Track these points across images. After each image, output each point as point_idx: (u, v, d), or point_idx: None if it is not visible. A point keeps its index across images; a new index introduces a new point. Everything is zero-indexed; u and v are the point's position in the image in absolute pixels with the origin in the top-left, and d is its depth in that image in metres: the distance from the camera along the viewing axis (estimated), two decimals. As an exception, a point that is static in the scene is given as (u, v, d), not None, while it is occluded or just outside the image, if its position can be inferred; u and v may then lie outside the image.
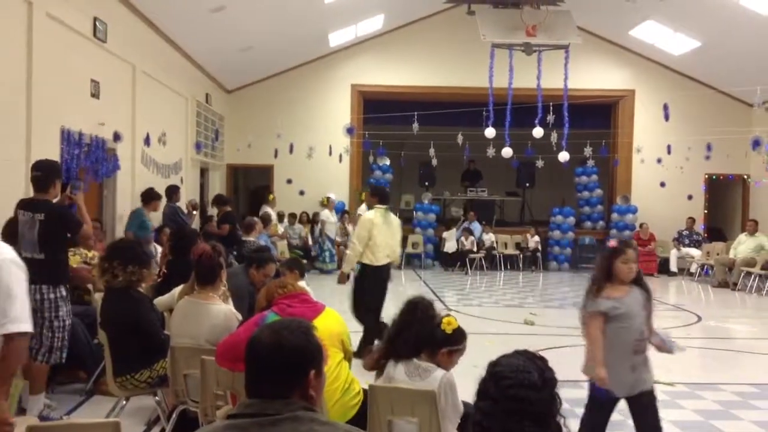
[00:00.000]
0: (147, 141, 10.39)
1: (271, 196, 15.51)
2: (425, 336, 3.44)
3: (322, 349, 1.94)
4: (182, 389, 4.13)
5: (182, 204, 11.15)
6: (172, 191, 9.97)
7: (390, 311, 3.67)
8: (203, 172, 14.88)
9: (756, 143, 14.20)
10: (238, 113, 16.41)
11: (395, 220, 7.78)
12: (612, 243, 4.10)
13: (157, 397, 4.54)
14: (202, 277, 4.20)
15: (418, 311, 3.56)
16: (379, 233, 7.33)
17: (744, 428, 5.19)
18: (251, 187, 19.08)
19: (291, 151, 15.54)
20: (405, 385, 3.36)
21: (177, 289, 4.87)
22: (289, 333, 1.87)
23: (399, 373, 3.41)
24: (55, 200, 5.10)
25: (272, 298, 3.55)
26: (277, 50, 14.74)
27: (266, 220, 11.39)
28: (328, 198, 15.60)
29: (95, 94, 8.59)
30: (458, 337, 3.42)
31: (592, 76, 16.21)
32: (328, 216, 15.10)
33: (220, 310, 4.09)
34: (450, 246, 16.01)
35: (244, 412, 1.81)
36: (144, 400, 4.89)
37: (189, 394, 4.09)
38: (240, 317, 4.10)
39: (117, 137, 9.07)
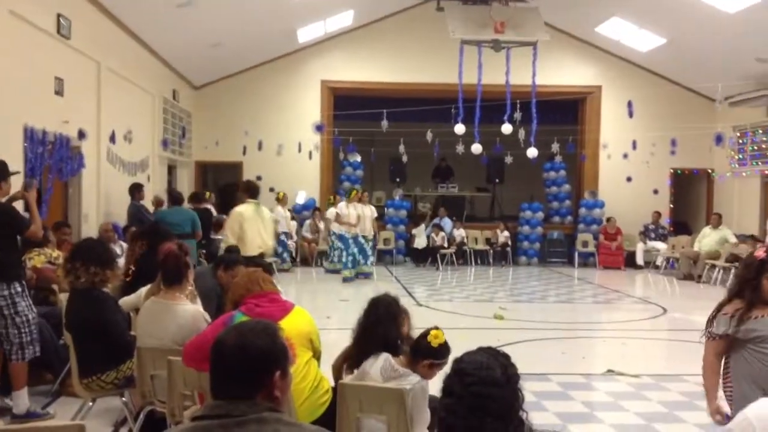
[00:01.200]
0: (112, 138, 10.25)
1: (281, 194, 14.77)
2: (391, 335, 3.46)
3: (288, 350, 1.94)
4: (149, 390, 4.10)
5: (148, 202, 11.02)
6: (136, 189, 9.85)
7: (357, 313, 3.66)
8: (171, 169, 14.72)
9: (719, 138, 14.47)
10: (206, 110, 16.26)
11: (267, 214, 8.41)
12: (760, 253, 3.29)
13: (124, 398, 4.50)
14: (168, 277, 4.16)
15: (381, 309, 3.57)
16: (250, 227, 7.78)
17: (707, 418, 5.28)
18: (220, 184, 18.93)
19: (260, 148, 15.44)
20: (375, 383, 3.38)
21: (143, 289, 4.83)
22: (254, 335, 1.87)
23: (375, 371, 3.41)
24: (4, 199, 5.05)
25: (240, 298, 3.54)
26: (245, 46, 14.63)
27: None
28: (284, 194, 14.86)
29: (59, 92, 8.45)
30: (443, 351, 3.34)
31: (560, 72, 16.37)
32: (279, 212, 14.28)
33: (187, 310, 4.06)
34: (420, 242, 16.07)
35: (209, 414, 1.80)
36: (111, 401, 4.84)
37: (156, 395, 4.06)
38: (208, 318, 4.07)
39: (81, 135, 8.94)
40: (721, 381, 3.34)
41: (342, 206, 13.25)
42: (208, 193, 14.07)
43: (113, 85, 10.40)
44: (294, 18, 14.20)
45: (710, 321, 3.34)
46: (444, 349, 3.35)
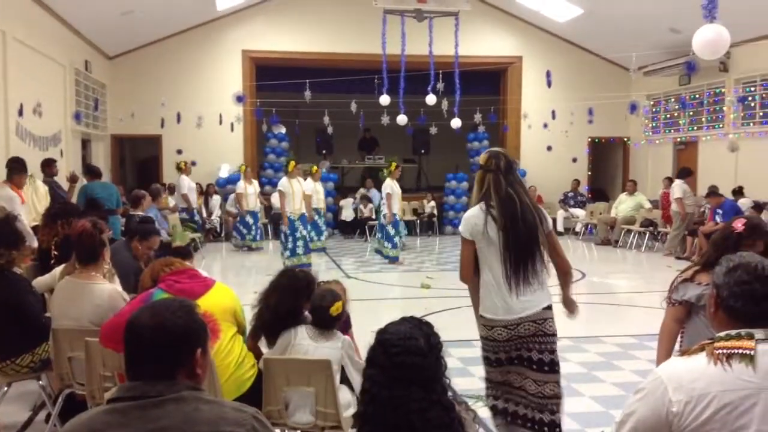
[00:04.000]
0: (20, 112, 9.73)
1: (183, 163, 13.98)
2: (298, 305, 3.56)
3: (207, 327, 1.89)
4: (67, 373, 3.97)
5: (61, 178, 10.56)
6: (47, 164, 9.40)
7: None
8: (85, 143, 14.14)
9: (633, 107, 14.98)
10: (121, 81, 15.63)
11: (42, 188, 8.22)
12: (738, 226, 3.23)
13: (41, 382, 4.34)
14: (83, 255, 4.00)
15: (286, 281, 3.65)
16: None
17: (625, 377, 5.53)
18: (139, 158, 18.34)
19: (179, 120, 15.01)
20: (305, 351, 3.41)
21: (58, 269, 4.64)
22: (171, 313, 1.82)
23: (302, 338, 3.44)
24: None
25: (158, 275, 3.44)
26: (160, 14, 14.08)
27: (156, 193, 10.96)
28: (185, 163, 14.09)
29: (-41, 62, 7.94)
30: (344, 312, 3.58)
31: (482, 43, 16.52)
32: (183, 182, 13.69)
33: (104, 289, 3.92)
34: (347, 214, 16.06)
35: (125, 395, 1.74)
36: (28, 384, 4.68)
37: (75, 378, 3.94)
38: (126, 296, 3.95)
39: (-14, 108, 8.44)
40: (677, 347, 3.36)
41: (284, 181, 11.04)
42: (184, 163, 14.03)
43: (20, 56, 9.84)
44: (212, -15, 13.76)
45: (672, 287, 3.35)
46: (344, 310, 3.58)
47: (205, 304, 3.28)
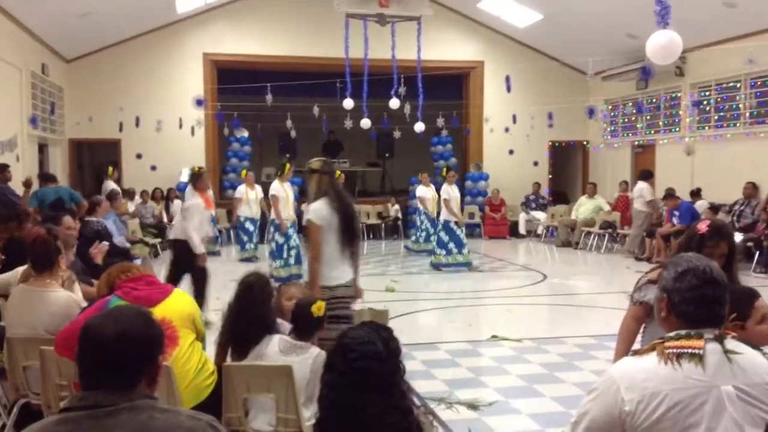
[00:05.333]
0: (-26, 116, 9.50)
1: (111, 170, 13.63)
2: (267, 315, 3.49)
3: (164, 334, 1.87)
4: (22, 382, 3.88)
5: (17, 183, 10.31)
6: (0, 170, 9.20)
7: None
8: (42, 148, 13.84)
9: (591, 111, 15.25)
10: (80, 84, 15.35)
11: None
12: (702, 227, 3.28)
13: (-6, 392, 4.23)
14: (37, 262, 3.91)
15: (253, 292, 3.59)
16: None
17: (584, 377, 5.60)
18: (97, 162, 18.01)
19: (137, 124, 14.81)
20: (273, 362, 3.37)
21: (20, 269, 4.51)
22: (131, 321, 1.79)
23: (272, 350, 3.40)
24: None
25: (114, 282, 3.39)
26: (119, 16, 13.87)
27: (113, 198, 10.73)
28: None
29: None
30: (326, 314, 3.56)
31: (444, 48, 16.63)
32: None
33: (59, 296, 3.84)
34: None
35: (78, 405, 1.71)
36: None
37: (30, 387, 3.85)
38: (83, 304, 3.87)
39: (-63, 112, 8.22)
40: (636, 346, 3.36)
41: (277, 186, 10.55)
42: (111, 169, 13.54)
43: (-28, 58, 9.62)
44: (172, -12, 13.61)
45: (636, 287, 3.38)
46: (325, 316, 3.52)
47: (164, 311, 3.24)
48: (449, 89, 17.59)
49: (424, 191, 13.29)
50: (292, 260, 10.28)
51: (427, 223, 13.42)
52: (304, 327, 3.47)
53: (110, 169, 13.72)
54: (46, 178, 9.79)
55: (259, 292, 3.59)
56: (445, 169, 11.93)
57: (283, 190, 10.39)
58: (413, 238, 14.02)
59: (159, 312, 3.17)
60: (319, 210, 4.43)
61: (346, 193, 4.70)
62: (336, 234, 4.39)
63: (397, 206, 16.82)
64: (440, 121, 16.74)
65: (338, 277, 4.40)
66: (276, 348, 3.40)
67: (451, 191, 11.35)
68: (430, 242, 13.06)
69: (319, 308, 3.45)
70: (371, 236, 16.60)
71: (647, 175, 13.42)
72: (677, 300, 2.04)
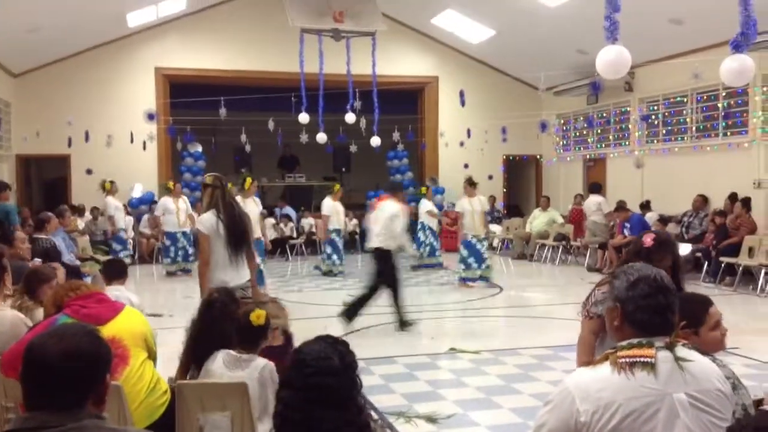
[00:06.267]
0: None
1: (108, 184, 13.28)
2: (231, 331, 3.41)
3: (111, 352, 1.82)
4: (-35, 406, 3.71)
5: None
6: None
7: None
8: (-12, 164, 13.46)
9: (543, 126, 15.53)
10: (27, 99, 14.98)
11: None
12: (648, 241, 3.34)
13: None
14: (-20, 281, 3.79)
15: (216, 310, 3.53)
16: None
17: (541, 388, 5.65)
18: (46, 178, 17.58)
19: (87, 139, 14.51)
20: (219, 379, 3.28)
21: None
22: (78, 339, 1.74)
23: (217, 366, 3.32)
24: None
25: (62, 301, 3.29)
26: (68, 30, 13.60)
27: (61, 215, 10.44)
28: (112, 183, 13.51)
29: None
30: (269, 321, 3.43)
31: (399, 63, 16.74)
32: (111, 203, 13.18)
33: (5, 315, 3.71)
34: (269, 234, 15.84)
35: (22, 427, 1.65)
36: None
37: (-27, 411, 3.69)
38: (29, 323, 3.75)
39: None
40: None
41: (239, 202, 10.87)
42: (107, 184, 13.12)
43: None
44: (122, 1, 13.40)
45: (588, 300, 3.36)
46: (268, 320, 3.40)
47: (114, 329, 3.16)
48: (404, 104, 17.69)
49: (431, 205, 13.72)
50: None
51: (431, 237, 13.58)
52: (247, 338, 3.38)
53: (107, 183, 13.19)
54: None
55: (221, 308, 3.52)
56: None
57: (244, 206, 10.15)
58: (417, 254, 13.64)
59: (109, 330, 3.09)
60: (206, 221, 4.95)
61: (237, 204, 5.19)
62: (224, 241, 4.88)
63: (354, 221, 16.79)
64: (396, 136, 16.83)
65: (228, 280, 4.80)
66: (220, 363, 3.33)
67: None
68: (435, 257, 13.56)
69: (258, 317, 3.34)
70: (328, 251, 16.48)
71: (597, 188, 13.72)
72: (631, 308, 2.07)
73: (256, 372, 3.27)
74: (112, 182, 13.27)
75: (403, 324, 7.90)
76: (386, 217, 7.92)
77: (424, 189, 14.10)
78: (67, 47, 14.84)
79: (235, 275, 4.91)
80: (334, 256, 12.76)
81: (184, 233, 12.78)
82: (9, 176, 14.61)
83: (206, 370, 3.36)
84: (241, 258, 4.96)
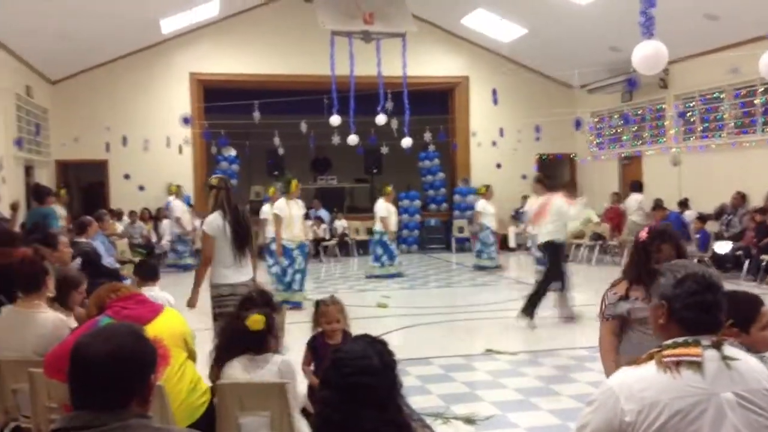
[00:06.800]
0: (-42, 139, 9.42)
1: (174, 187, 14.29)
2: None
3: (157, 351, 1.84)
4: (12, 406, 3.81)
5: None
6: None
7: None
8: (28, 169, 13.75)
9: (578, 124, 15.33)
10: (65, 105, 15.30)
11: None
12: (643, 234, 3.37)
13: (-17, 417, 4.15)
14: (25, 284, 3.85)
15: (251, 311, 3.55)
16: None
17: (580, 389, 5.58)
18: (85, 183, 17.93)
19: (124, 144, 14.76)
20: (248, 380, 3.31)
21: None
22: (123, 339, 1.76)
23: (235, 370, 3.35)
24: None
25: (103, 302, 3.34)
26: (104, 37, 13.85)
27: (101, 219, 10.61)
28: (178, 186, 14.37)
29: None
30: (271, 324, 3.38)
31: (429, 63, 16.70)
32: (177, 207, 13.94)
33: (47, 318, 3.78)
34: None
35: (68, 426, 1.67)
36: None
37: (20, 410, 3.78)
38: (72, 325, 3.82)
39: None
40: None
41: (282, 204, 9.60)
42: (62, 191, 13.09)
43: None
44: (155, 8, 13.61)
45: (603, 302, 3.36)
46: (270, 324, 3.36)
47: (155, 329, 3.20)
48: (435, 104, 17.66)
49: (484, 205, 13.27)
50: (296, 285, 9.66)
51: (491, 238, 13.32)
52: (250, 344, 3.36)
53: (62, 191, 13.14)
54: (34, 196, 9.64)
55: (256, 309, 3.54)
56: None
57: (287, 208, 9.54)
58: (478, 255, 13.50)
59: (150, 331, 3.11)
60: (211, 222, 5.19)
61: (242, 206, 5.44)
62: (229, 241, 5.14)
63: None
64: (427, 136, 16.80)
65: (232, 276, 5.15)
66: (238, 368, 3.34)
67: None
68: (494, 258, 13.33)
69: (254, 322, 3.31)
70: (360, 252, 16.54)
71: (639, 186, 13.49)
72: (678, 306, 2.03)
73: (275, 367, 3.31)
74: (178, 186, 13.76)
75: (527, 311, 8.09)
76: (556, 212, 8.28)
77: (482, 189, 13.64)
78: (103, 54, 15.12)
79: (239, 273, 5.19)
80: (384, 257, 12.70)
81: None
82: (48, 181, 14.92)
83: (226, 375, 3.38)
84: (245, 257, 5.23)
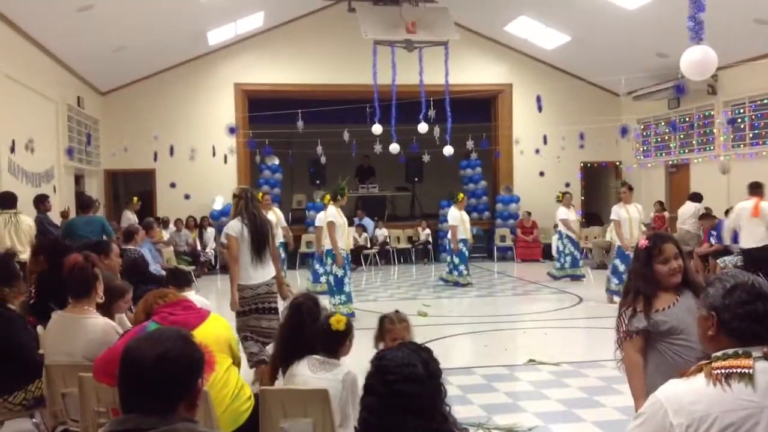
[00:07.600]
0: (12, 149, 9.74)
1: (135, 200, 13.70)
2: (317, 335, 3.43)
3: (204, 356, 1.87)
4: (61, 409, 3.89)
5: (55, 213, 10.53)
6: (40, 200, 9.38)
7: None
8: (79, 179, 14.14)
9: (624, 131, 15.07)
10: (114, 116, 15.71)
11: (24, 223, 8.11)
12: (643, 242, 3.27)
13: (34, 420, 4.26)
14: (75, 290, 3.95)
15: (303, 313, 3.56)
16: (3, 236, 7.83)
17: (625, 401, 5.45)
18: (133, 192, 18.31)
19: (171, 153, 15.06)
20: (303, 383, 3.33)
21: None
22: (171, 344, 1.79)
23: (302, 369, 3.38)
24: None
25: (151, 308, 3.41)
26: (152, 49, 14.20)
27: (149, 227, 10.87)
28: (263, 195, 14.10)
29: (-49, 100, 7.96)
30: (350, 328, 3.43)
31: (472, 71, 16.65)
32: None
33: (97, 323, 3.87)
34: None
35: (117, 429, 1.71)
36: (22, 423, 4.58)
37: (69, 414, 3.86)
38: (120, 330, 3.90)
39: (-22, 146, 8.44)
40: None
41: (334, 212, 9.29)
42: (135, 199, 13.60)
43: (11, 93, 9.89)
44: (203, 20, 13.90)
45: (620, 320, 3.27)
46: (349, 325, 3.41)
47: (200, 335, 3.23)
48: (478, 112, 17.58)
49: (567, 213, 12.81)
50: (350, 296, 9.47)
51: (571, 247, 12.82)
52: (327, 342, 3.40)
53: (134, 199, 13.69)
54: (80, 204, 9.89)
55: (308, 313, 3.57)
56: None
57: (339, 216, 9.30)
58: (557, 264, 13.05)
59: (196, 336, 3.16)
60: (233, 226, 5.75)
61: (260, 213, 5.94)
62: (248, 244, 5.67)
63: (428, 230, 16.78)
64: (469, 144, 16.72)
65: (254, 277, 5.69)
66: (305, 366, 3.37)
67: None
68: (578, 267, 12.89)
69: (338, 321, 3.34)
70: (402, 260, 16.55)
71: (699, 197, 12.98)
72: (728, 317, 1.97)
73: (340, 375, 3.31)
74: (263, 195, 13.49)
75: None
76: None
77: (560, 195, 13.04)
78: (151, 66, 15.49)
79: (258, 273, 5.71)
80: (462, 267, 12.43)
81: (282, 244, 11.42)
82: (98, 190, 15.34)
83: (291, 374, 3.41)
84: (264, 258, 5.72)
